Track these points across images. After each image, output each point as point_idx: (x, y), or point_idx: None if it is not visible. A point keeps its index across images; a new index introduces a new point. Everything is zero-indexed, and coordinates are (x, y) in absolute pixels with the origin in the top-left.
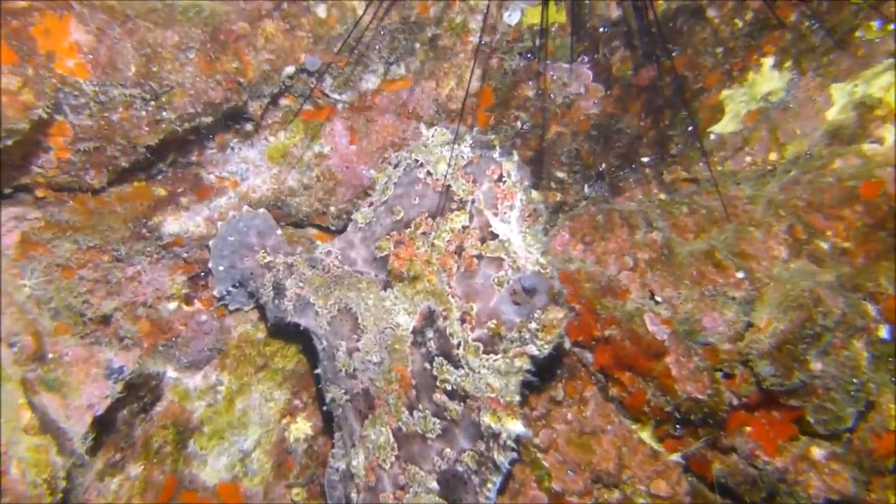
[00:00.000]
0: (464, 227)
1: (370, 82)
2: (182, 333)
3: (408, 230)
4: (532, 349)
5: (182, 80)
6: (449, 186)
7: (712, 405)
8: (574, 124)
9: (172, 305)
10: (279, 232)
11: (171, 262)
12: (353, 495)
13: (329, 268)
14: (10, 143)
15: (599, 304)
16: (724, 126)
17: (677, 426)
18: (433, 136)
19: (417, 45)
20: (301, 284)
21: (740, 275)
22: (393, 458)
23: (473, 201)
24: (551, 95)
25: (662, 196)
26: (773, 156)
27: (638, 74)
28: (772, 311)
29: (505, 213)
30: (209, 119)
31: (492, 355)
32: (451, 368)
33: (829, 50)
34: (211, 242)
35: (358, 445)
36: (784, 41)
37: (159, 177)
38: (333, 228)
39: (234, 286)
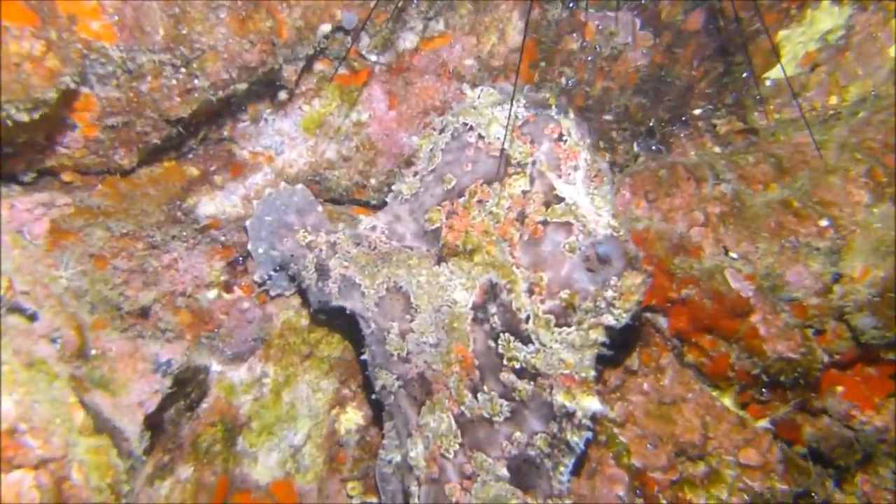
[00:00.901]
0: (524, 192)
1: (408, 41)
2: (224, 323)
3: (461, 199)
4: (608, 319)
5: (214, 43)
6: (503, 149)
7: (805, 364)
8: (621, 78)
9: (212, 294)
10: (320, 208)
11: (207, 248)
12: (413, 488)
13: (375, 244)
14: (36, 116)
15: (673, 263)
16: (782, 70)
17: (763, 390)
18: (480, 96)
19: None
20: (346, 263)
21: (824, 223)
22: (457, 446)
23: (534, 163)
24: (597, 47)
25: (716, 150)
26: (833, 99)
27: (688, 18)
28: (866, 258)
29: (569, 174)
30: (244, 86)
31: (564, 328)
32: (520, 345)
33: None
34: (247, 223)
35: (415, 435)
36: None
37: (190, 155)
38: (374, 203)
39: (274, 270)
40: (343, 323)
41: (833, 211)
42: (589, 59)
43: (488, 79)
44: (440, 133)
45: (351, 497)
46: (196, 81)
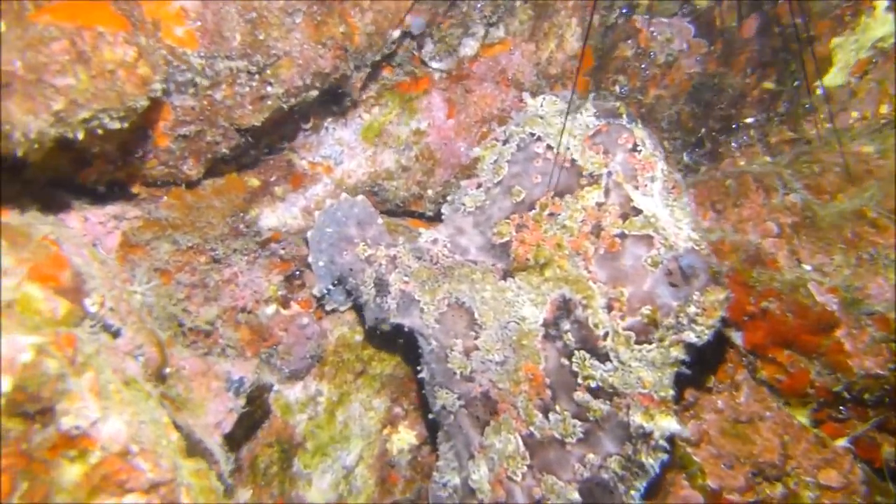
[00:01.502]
0: (598, 204)
1: (469, 47)
2: (283, 340)
3: (531, 212)
4: (690, 336)
5: (289, 49)
6: (574, 160)
7: (893, 381)
8: (674, 86)
9: (270, 309)
10: (380, 221)
11: (266, 261)
12: None
13: (437, 258)
14: (126, 125)
15: (751, 276)
16: (833, 78)
17: (841, 408)
18: (542, 105)
19: (518, 3)
20: (406, 279)
21: None
22: (525, 468)
23: (610, 174)
24: (651, 54)
25: (767, 159)
26: (884, 108)
27: (743, 25)
28: None
29: (646, 185)
30: (315, 93)
31: (645, 345)
32: (596, 363)
33: None
34: (308, 235)
35: (478, 456)
36: None
37: (250, 166)
38: (430, 214)
39: (333, 284)
40: (396, 339)
41: None
42: (643, 66)
43: (546, 87)
44: (504, 144)
45: None
46: (269, 89)
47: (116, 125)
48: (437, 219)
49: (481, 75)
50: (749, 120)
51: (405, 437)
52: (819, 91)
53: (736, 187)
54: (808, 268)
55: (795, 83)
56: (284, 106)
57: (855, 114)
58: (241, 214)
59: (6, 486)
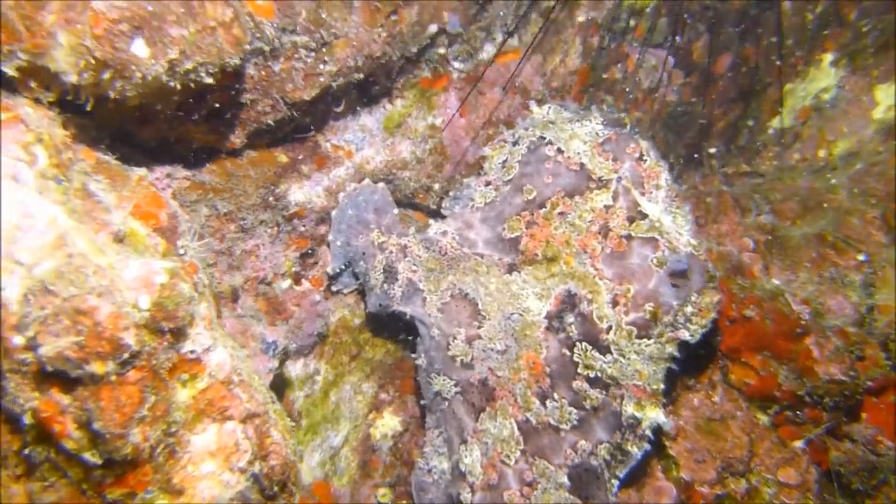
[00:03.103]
0: (606, 207)
1: (486, 52)
2: (296, 315)
3: (542, 210)
4: (684, 334)
5: (347, 30)
6: (584, 164)
7: (852, 388)
8: (653, 111)
9: (286, 284)
10: (395, 210)
11: (286, 236)
12: (466, 495)
13: (445, 249)
14: (215, 80)
15: (736, 284)
16: (783, 121)
17: (798, 413)
18: (549, 112)
19: (534, 16)
20: (414, 268)
21: (861, 257)
22: (518, 453)
23: (619, 179)
24: (636, 79)
25: (724, 188)
26: (821, 153)
27: (716, 61)
28: None
29: (651, 192)
30: (361, 76)
31: (644, 340)
32: (597, 354)
33: (878, 50)
34: (333, 213)
35: (471, 440)
36: (844, 38)
37: (280, 142)
38: (433, 207)
39: (343, 265)
40: (392, 326)
41: (861, 247)
42: (627, 89)
43: (548, 97)
44: (514, 145)
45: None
46: (323, 66)
47: (211, 80)
48: (437, 212)
49: (492, 80)
50: (713, 150)
51: (389, 422)
52: (770, 131)
53: (716, 204)
54: (776, 282)
55: (749, 122)
56: (333, 84)
57: (797, 155)
58: (272, 187)
59: (136, 398)
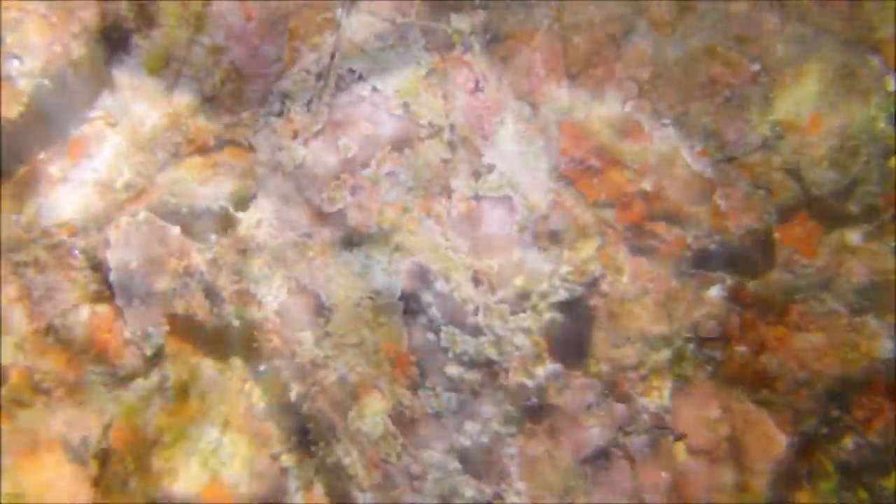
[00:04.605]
0: (444, 161)
1: None
2: None
3: (366, 171)
4: (563, 295)
5: None
6: (407, 105)
7: (764, 231)
8: None
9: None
10: (176, 229)
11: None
12: (357, 494)
13: (265, 244)
14: None
15: (621, 151)
16: None
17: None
18: (356, 28)
19: None
20: (236, 277)
21: (755, 67)
22: (399, 449)
23: (452, 127)
24: None
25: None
26: None
27: None
28: (811, 103)
29: (495, 131)
30: None
31: (519, 315)
32: (469, 338)
33: None
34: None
35: (345, 440)
36: None
37: None
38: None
39: None
40: None
41: (754, 50)
42: None
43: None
44: (318, 79)
45: (288, 469)
46: None
47: None
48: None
49: None
50: None
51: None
52: None
53: (586, 45)
54: (666, 121)
55: None
56: None
57: None
58: None
59: None
